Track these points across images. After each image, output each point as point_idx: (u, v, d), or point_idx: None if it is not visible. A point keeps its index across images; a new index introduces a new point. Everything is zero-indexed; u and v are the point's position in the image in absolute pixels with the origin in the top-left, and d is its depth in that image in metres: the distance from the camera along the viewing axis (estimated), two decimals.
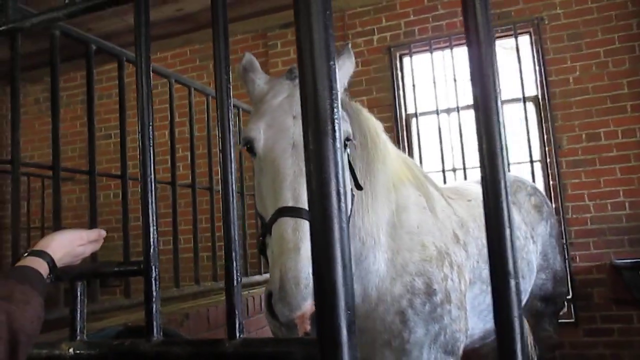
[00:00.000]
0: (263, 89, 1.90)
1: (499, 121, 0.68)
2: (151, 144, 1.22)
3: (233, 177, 1.13)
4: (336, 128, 0.72)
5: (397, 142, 5.64)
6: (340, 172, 0.72)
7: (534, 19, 5.39)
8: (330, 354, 0.67)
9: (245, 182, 4.36)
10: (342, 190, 0.73)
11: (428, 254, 2.13)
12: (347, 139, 1.77)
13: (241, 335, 1.07)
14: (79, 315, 1.29)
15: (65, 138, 7.08)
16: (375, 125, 2.23)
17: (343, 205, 0.73)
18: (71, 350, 1.22)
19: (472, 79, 0.73)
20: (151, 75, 1.26)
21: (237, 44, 6.27)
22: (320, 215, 0.71)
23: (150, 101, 1.22)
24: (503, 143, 0.67)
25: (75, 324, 1.28)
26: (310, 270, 1.37)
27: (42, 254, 1.24)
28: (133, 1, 1.24)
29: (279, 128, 1.69)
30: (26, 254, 1.24)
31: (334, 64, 0.75)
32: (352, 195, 1.88)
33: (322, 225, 0.71)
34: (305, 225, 1.49)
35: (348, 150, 1.85)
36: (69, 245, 1.32)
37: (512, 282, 0.64)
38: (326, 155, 0.72)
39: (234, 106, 4.37)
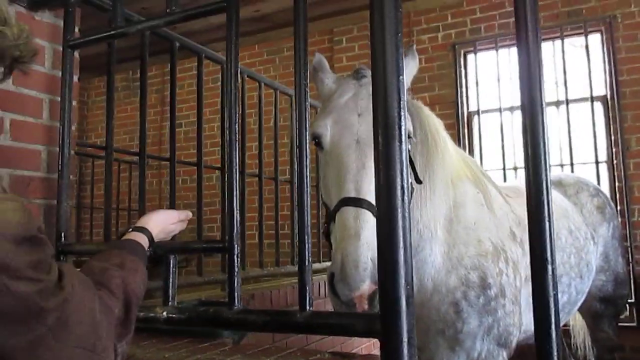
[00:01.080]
0: (331, 88, 2.03)
1: (543, 122, 0.79)
2: (237, 139, 1.39)
3: (308, 170, 1.28)
4: (402, 133, 0.85)
5: (458, 139, 5.64)
6: (404, 169, 0.85)
7: (607, 17, 5.26)
8: (392, 320, 0.80)
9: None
10: (406, 185, 0.86)
11: (484, 248, 2.21)
12: (408, 137, 1.86)
13: (310, 308, 1.23)
14: (171, 284, 1.50)
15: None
16: (436, 123, 2.31)
17: (406, 197, 0.86)
18: (164, 313, 1.42)
19: (520, 80, 0.85)
20: (239, 80, 1.42)
21: None
22: (386, 206, 0.85)
23: (236, 102, 1.39)
24: (546, 143, 0.77)
25: (168, 292, 1.49)
26: (369, 255, 1.50)
27: (144, 230, 1.45)
28: (225, 12, 1.41)
29: (344, 125, 1.82)
30: (130, 229, 1.45)
31: (403, 78, 0.88)
32: (412, 189, 1.98)
33: (388, 215, 0.85)
34: (365, 214, 1.60)
35: (409, 146, 1.94)
36: (163, 223, 1.53)
37: (549, 267, 0.75)
38: (393, 155, 0.85)
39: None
